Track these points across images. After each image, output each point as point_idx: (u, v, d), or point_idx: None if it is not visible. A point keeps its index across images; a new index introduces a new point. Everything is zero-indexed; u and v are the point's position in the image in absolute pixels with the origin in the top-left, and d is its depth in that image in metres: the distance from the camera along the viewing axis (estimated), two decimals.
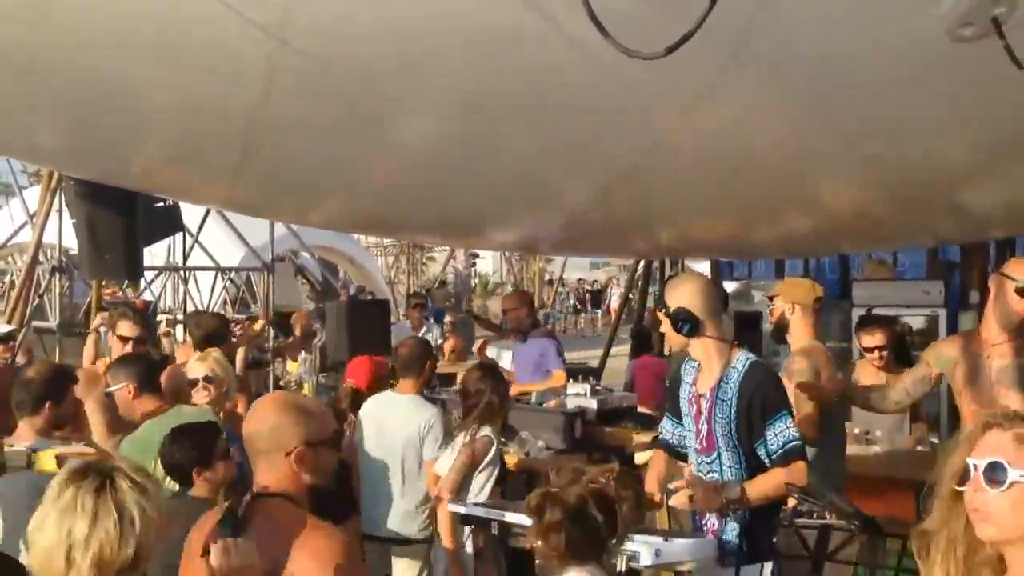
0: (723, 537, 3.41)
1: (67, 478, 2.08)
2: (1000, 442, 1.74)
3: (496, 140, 4.22)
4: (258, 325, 7.76)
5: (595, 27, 2.37)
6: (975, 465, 1.74)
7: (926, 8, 3.12)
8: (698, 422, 3.54)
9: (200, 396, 4.47)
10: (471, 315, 12.11)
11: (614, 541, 2.50)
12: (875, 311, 8.70)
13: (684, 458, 3.72)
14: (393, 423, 4.71)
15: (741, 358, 3.48)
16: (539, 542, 2.50)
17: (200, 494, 3.40)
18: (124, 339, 5.06)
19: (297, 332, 7.80)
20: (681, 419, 3.68)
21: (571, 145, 4.26)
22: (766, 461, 3.39)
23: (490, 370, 4.79)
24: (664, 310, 3.54)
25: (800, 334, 4.75)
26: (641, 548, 3.03)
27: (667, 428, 3.79)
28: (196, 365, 4.60)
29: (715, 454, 3.47)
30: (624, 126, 4.04)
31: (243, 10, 3.04)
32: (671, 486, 3.49)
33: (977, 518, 1.73)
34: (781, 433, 3.36)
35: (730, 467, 3.44)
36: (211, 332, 5.60)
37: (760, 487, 3.36)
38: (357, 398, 5.33)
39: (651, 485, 3.62)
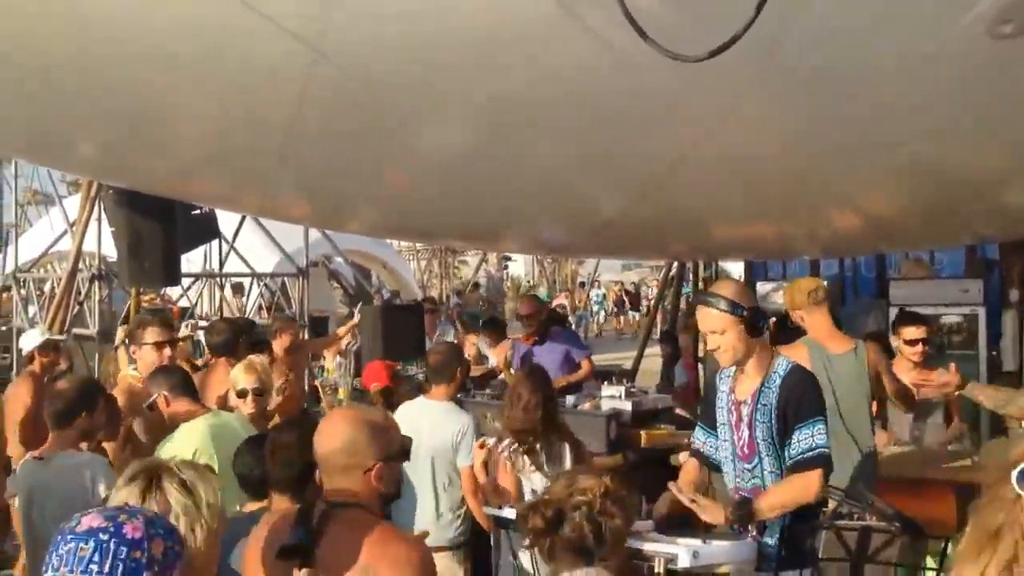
0: (763, 540, 3.38)
1: (122, 481, 2.14)
2: None
3: (531, 147, 4.24)
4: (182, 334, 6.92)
5: (634, 30, 2.37)
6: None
7: (962, 9, 3.11)
8: (738, 429, 3.48)
9: (247, 407, 4.42)
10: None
11: (603, 552, 2.50)
12: (913, 310, 8.63)
13: (716, 468, 3.66)
14: (426, 430, 4.70)
15: (783, 363, 3.44)
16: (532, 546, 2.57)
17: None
18: (159, 344, 4.98)
19: (278, 348, 7.07)
20: (714, 428, 3.62)
21: (604, 150, 4.27)
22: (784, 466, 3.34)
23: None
24: (740, 311, 3.33)
25: (817, 329, 4.75)
26: (679, 550, 3.02)
27: (699, 438, 3.71)
28: (243, 376, 4.53)
29: (756, 460, 3.42)
30: (657, 131, 4.05)
31: (281, 22, 3.08)
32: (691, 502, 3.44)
33: None
34: (806, 439, 3.28)
35: (771, 472, 3.38)
36: (224, 339, 5.66)
37: (771, 499, 3.28)
38: (388, 397, 5.34)
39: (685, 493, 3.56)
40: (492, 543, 4.40)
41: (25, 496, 3.84)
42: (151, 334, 4.98)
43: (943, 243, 8.57)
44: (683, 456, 5.07)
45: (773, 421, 3.35)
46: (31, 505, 3.82)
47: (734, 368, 3.51)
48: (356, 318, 8.19)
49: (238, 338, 5.80)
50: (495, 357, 8.55)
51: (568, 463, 4.38)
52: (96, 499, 3.42)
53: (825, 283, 5.36)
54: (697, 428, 3.75)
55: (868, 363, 4.72)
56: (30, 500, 3.83)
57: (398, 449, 2.50)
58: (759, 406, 3.39)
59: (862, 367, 4.70)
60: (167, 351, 4.96)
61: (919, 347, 5.23)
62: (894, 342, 5.22)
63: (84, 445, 4.00)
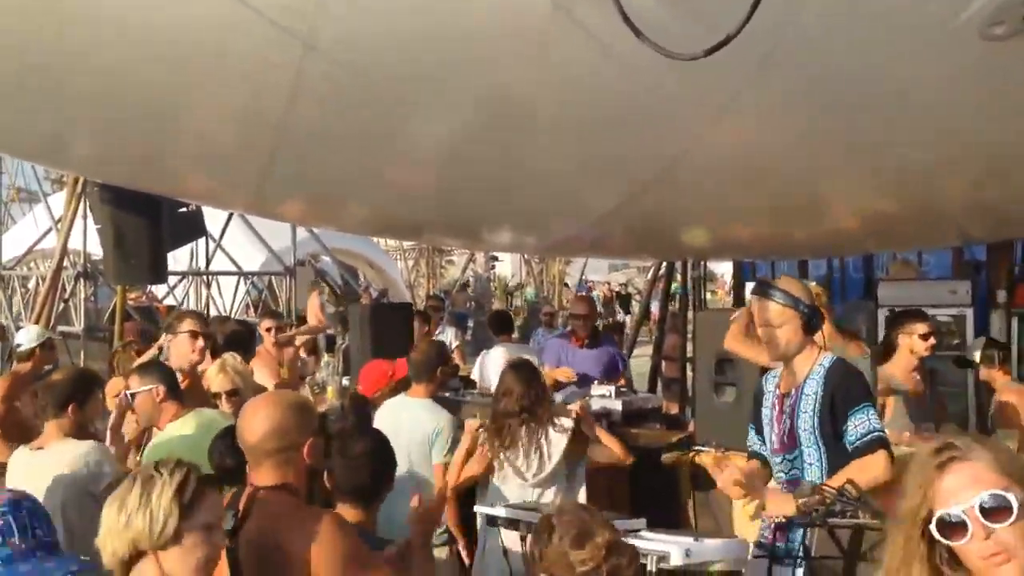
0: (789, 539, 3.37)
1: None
2: (975, 473, 1.51)
3: (525, 144, 4.23)
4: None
5: (630, 30, 2.37)
6: (965, 511, 1.49)
7: (954, 11, 3.12)
8: (780, 422, 3.50)
9: (224, 407, 4.38)
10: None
11: None
12: (901, 311, 8.66)
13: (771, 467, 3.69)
14: (404, 427, 4.70)
15: (828, 356, 3.48)
16: None
17: None
18: (194, 334, 4.99)
19: (268, 343, 6.87)
20: (761, 431, 3.65)
21: (598, 151, 4.27)
22: (848, 451, 3.34)
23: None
24: (802, 307, 3.39)
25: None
26: (672, 548, 3.02)
27: (754, 441, 3.73)
28: (217, 378, 4.52)
29: (796, 451, 3.45)
30: (652, 132, 4.05)
31: (273, 17, 3.06)
32: (745, 503, 3.44)
33: (997, 562, 1.48)
34: (862, 424, 3.32)
35: (811, 464, 3.41)
36: (231, 338, 5.63)
37: (839, 482, 3.23)
38: (358, 403, 5.26)
39: (749, 476, 3.53)
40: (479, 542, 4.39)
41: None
42: (188, 324, 5.00)
43: (932, 244, 8.61)
44: (671, 456, 5.11)
45: (818, 410, 3.38)
46: None
47: (780, 368, 3.55)
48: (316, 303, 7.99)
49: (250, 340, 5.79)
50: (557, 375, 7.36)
51: (560, 449, 4.35)
52: (99, 485, 3.40)
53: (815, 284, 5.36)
54: (750, 431, 3.76)
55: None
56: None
57: (319, 424, 2.66)
58: (802, 396, 3.43)
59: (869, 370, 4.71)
60: (200, 342, 4.95)
61: (931, 340, 5.25)
62: (903, 339, 5.21)
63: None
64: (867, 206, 5.46)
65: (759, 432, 3.67)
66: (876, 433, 3.33)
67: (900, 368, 5.08)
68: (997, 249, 8.70)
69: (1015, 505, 1.47)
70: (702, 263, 10.05)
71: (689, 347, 8.47)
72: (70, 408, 3.88)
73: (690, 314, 9.06)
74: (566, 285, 31.21)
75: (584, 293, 16.73)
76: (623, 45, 2.69)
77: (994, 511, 1.48)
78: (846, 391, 3.37)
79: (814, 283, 5.01)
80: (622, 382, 6.83)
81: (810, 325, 3.42)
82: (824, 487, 3.21)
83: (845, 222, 5.95)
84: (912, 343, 5.20)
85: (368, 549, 2.59)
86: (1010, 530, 1.48)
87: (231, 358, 4.76)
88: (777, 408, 3.52)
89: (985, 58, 3.39)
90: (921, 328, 5.25)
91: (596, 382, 6.44)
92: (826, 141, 4.23)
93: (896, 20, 3.25)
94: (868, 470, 3.28)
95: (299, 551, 2.38)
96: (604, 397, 6.09)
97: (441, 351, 5.21)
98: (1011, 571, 1.48)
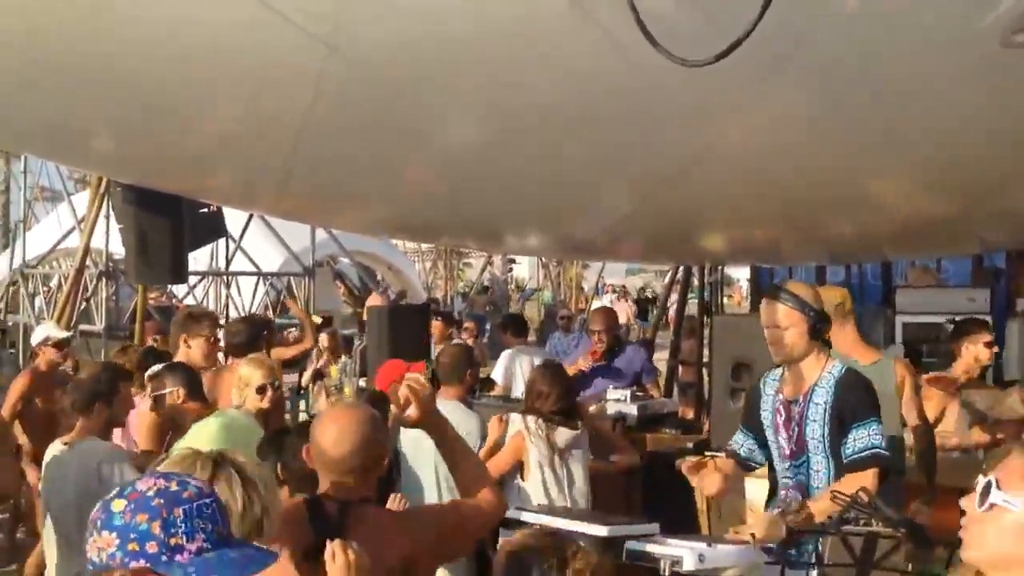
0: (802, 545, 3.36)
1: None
2: (1012, 466, 1.64)
3: (543, 146, 4.24)
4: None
5: (644, 37, 2.38)
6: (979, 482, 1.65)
7: (975, 16, 3.12)
8: (788, 428, 3.49)
9: (264, 402, 4.37)
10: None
11: None
12: (920, 319, 8.61)
13: (749, 469, 3.70)
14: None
15: (838, 364, 3.48)
16: None
17: None
18: (212, 339, 5.16)
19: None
20: (756, 432, 3.63)
21: (614, 153, 4.28)
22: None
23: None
24: (809, 311, 3.38)
25: (841, 343, 4.72)
26: (684, 552, 3.02)
27: (738, 440, 3.72)
28: (257, 372, 4.42)
29: (804, 458, 3.45)
30: (668, 134, 4.05)
31: (294, 18, 3.10)
32: (735, 529, 3.42)
33: (962, 535, 1.66)
34: (862, 438, 3.31)
35: (817, 471, 3.41)
36: (245, 338, 5.66)
37: (823, 503, 3.24)
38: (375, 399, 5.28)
39: (712, 481, 3.53)
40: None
41: (47, 483, 3.92)
42: (207, 327, 5.13)
43: (951, 251, 8.55)
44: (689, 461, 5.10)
45: (826, 421, 3.38)
46: (50, 492, 3.90)
47: (780, 371, 3.54)
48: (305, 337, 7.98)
49: (258, 337, 5.79)
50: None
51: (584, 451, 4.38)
52: (108, 488, 3.44)
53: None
54: (738, 431, 3.75)
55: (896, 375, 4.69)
56: (50, 487, 3.90)
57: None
58: (811, 404, 3.42)
59: (891, 378, 4.68)
60: (215, 344, 5.12)
61: (995, 348, 5.32)
62: (969, 348, 5.25)
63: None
64: (885, 211, 5.44)
65: (752, 434, 3.63)
66: (874, 450, 3.31)
67: (959, 374, 5.13)
68: (1017, 257, 8.64)
69: (991, 499, 1.59)
70: (719, 268, 10.02)
71: (706, 352, 8.47)
72: (96, 406, 3.93)
73: (707, 319, 9.03)
74: (580, 289, 31.15)
75: (606, 304, 16.23)
76: (638, 46, 2.69)
77: (985, 493, 1.61)
78: (854, 404, 3.36)
79: (839, 289, 5.01)
80: (653, 389, 6.69)
81: (816, 330, 3.41)
82: (805, 505, 3.23)
83: (863, 227, 5.93)
84: (978, 351, 5.27)
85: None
86: (979, 515, 1.61)
87: (261, 354, 4.83)
88: (784, 414, 3.50)
89: (1004, 63, 3.39)
90: (986, 337, 5.32)
91: (612, 387, 6.38)
92: (843, 145, 4.22)
93: (915, 25, 3.24)
94: (856, 487, 3.21)
95: (410, 555, 2.42)
96: (619, 401, 6.10)
97: (470, 354, 5.26)
98: (965, 552, 1.68)
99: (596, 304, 28.32)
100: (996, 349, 5.37)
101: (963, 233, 6.41)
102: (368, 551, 2.26)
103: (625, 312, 21.15)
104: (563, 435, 4.47)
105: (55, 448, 3.98)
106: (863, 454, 3.31)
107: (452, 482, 4.64)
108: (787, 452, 3.49)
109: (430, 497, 4.71)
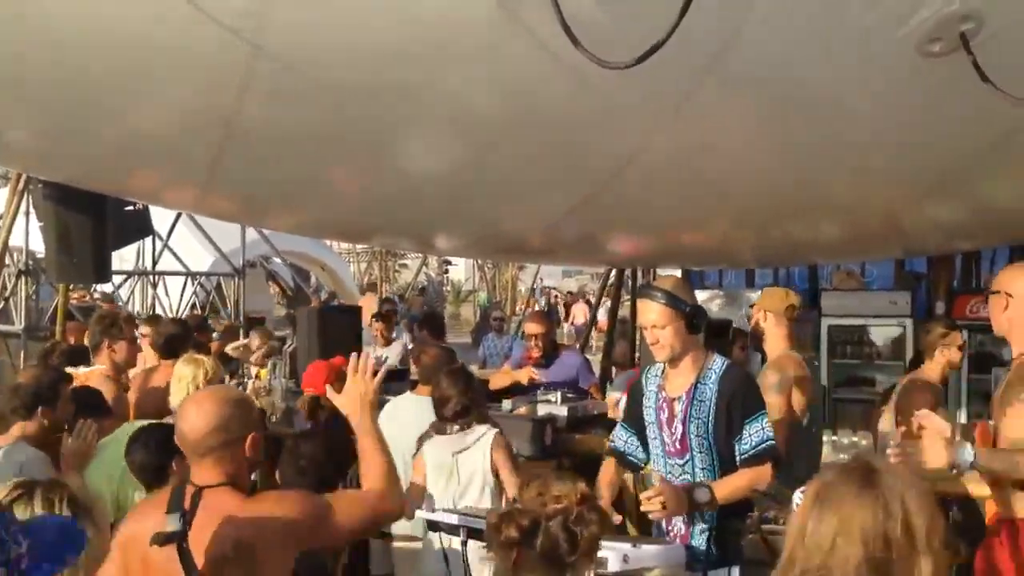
0: (691, 542, 3.42)
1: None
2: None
3: (472, 150, 4.24)
4: None
5: (568, 38, 2.39)
6: None
7: (897, 25, 3.20)
8: (671, 425, 3.50)
9: None
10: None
11: (574, 560, 2.48)
12: (843, 321, 8.82)
13: (633, 467, 3.71)
14: (404, 422, 4.70)
15: (718, 360, 3.48)
16: (496, 557, 2.50)
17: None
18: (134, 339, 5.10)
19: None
20: (637, 429, 3.65)
21: (548, 156, 4.29)
22: (737, 459, 3.38)
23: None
24: (683, 307, 3.36)
25: (774, 342, 4.82)
26: (609, 554, 3.03)
27: (619, 436, 3.74)
28: (189, 370, 4.47)
29: (688, 456, 3.46)
30: (601, 137, 4.07)
31: (219, 16, 3.04)
32: (643, 495, 3.45)
33: None
34: (756, 433, 3.36)
35: (703, 469, 3.43)
36: (174, 337, 5.55)
37: (728, 488, 3.34)
38: (315, 406, 5.25)
39: (603, 492, 3.58)
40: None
41: None
42: (130, 331, 5.07)
43: (875, 255, 8.77)
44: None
45: (711, 417, 3.39)
46: None
47: (661, 367, 3.54)
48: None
49: (188, 338, 5.70)
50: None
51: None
52: None
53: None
54: (618, 427, 3.77)
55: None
56: None
57: (258, 417, 2.66)
58: (695, 402, 3.43)
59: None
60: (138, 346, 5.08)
61: (964, 353, 5.32)
62: (943, 351, 5.26)
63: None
64: (813, 215, 5.55)
65: (633, 430, 3.65)
66: (768, 443, 3.37)
67: (935, 376, 5.22)
68: (938, 262, 8.90)
69: None
70: (652, 270, 10.13)
71: (637, 354, 8.55)
72: (39, 411, 3.82)
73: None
74: (520, 291, 31.25)
75: (541, 308, 16.29)
76: (568, 48, 2.70)
77: None
78: (742, 398, 3.39)
79: (792, 292, 5.05)
80: (593, 390, 6.62)
81: (694, 325, 3.40)
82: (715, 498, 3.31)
83: (792, 231, 6.04)
84: (951, 355, 5.31)
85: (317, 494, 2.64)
86: None
87: (205, 358, 4.76)
88: (666, 412, 3.51)
89: (922, 73, 3.48)
90: (959, 340, 5.33)
91: (543, 388, 6.38)
92: (773, 149, 4.30)
93: (837, 33, 3.31)
94: (755, 479, 3.33)
95: (251, 540, 2.38)
96: (550, 403, 6.10)
97: (452, 356, 5.24)
98: None
99: (536, 308, 28.50)
100: (969, 352, 5.38)
101: (887, 238, 6.57)
102: (206, 536, 2.35)
103: (583, 313, 21.34)
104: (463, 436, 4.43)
105: None
106: (760, 447, 3.35)
107: (410, 470, 4.69)
108: (671, 450, 3.50)
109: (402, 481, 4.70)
